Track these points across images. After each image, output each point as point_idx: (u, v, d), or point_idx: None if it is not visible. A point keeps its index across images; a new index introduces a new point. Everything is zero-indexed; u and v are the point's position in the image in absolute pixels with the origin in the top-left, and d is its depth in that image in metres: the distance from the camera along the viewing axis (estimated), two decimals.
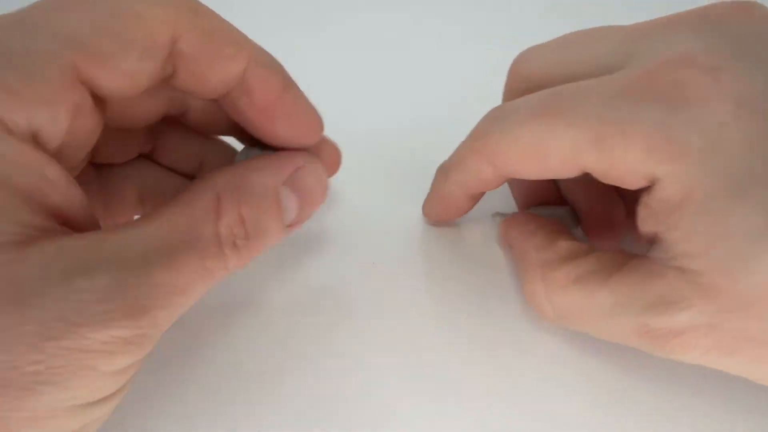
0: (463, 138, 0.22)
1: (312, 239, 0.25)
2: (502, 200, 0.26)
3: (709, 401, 0.21)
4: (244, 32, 0.18)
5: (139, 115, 0.20)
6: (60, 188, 0.16)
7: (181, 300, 0.16)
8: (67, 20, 0.15)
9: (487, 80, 0.26)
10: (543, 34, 0.22)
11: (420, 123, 0.31)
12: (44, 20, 0.15)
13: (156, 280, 0.15)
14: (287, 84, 0.19)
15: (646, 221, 0.18)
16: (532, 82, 0.21)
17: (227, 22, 0.17)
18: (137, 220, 0.17)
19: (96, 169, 0.22)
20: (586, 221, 0.24)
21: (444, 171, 0.23)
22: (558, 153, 0.18)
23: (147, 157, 0.23)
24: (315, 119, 0.20)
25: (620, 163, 0.17)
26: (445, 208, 0.25)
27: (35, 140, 0.15)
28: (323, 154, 0.21)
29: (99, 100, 0.17)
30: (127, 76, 0.16)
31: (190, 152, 0.23)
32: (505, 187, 0.26)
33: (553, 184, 0.25)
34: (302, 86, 0.19)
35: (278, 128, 0.19)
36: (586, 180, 0.21)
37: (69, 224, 0.16)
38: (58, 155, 0.16)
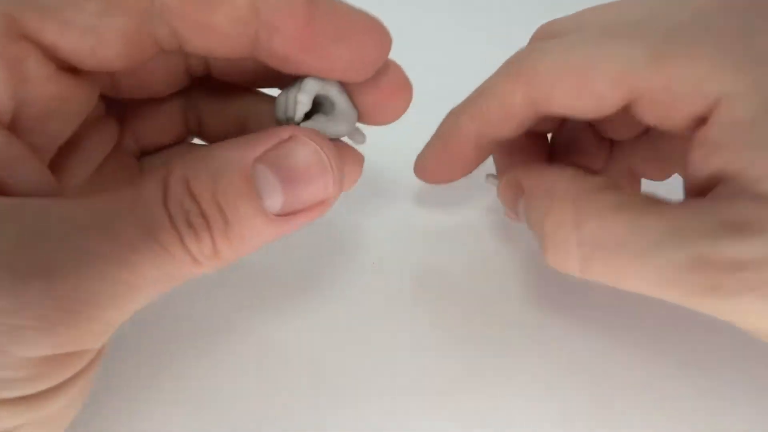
0: None
1: (311, 238, 0.25)
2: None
3: (711, 404, 0.21)
4: None
5: (152, 81, 0.19)
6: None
7: (131, 292, 0.14)
8: None
9: None
10: None
11: (420, 122, 0.31)
12: None
13: (89, 266, 0.13)
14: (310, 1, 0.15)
15: (705, 160, 0.16)
16: (562, 34, 0.19)
17: None
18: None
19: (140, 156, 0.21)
20: None
21: (456, 112, 0.21)
22: (608, 72, 0.16)
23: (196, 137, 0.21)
24: (367, 28, 0.16)
25: (680, 81, 0.16)
26: (446, 157, 0.22)
27: None
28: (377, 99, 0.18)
29: (74, 70, 0.15)
30: (88, 34, 0.14)
31: (234, 119, 0.21)
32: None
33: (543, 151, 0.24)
34: None
35: (320, 57, 0.16)
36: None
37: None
38: (17, 128, 0.15)
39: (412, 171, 0.23)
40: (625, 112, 0.18)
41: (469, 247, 0.25)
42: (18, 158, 0.15)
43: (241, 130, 0.20)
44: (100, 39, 0.15)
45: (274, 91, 0.19)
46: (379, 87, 0.17)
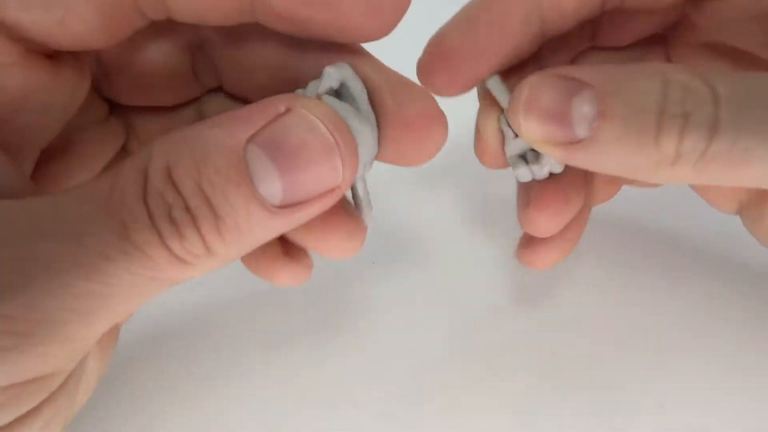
0: (464, 138, 0.22)
1: None
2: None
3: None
4: None
5: (154, 85, 0.17)
6: None
7: (103, 305, 0.12)
8: None
9: None
10: None
11: None
12: None
13: (49, 283, 0.11)
14: None
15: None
16: None
17: None
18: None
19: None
20: None
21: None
22: None
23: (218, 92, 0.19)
24: None
25: None
26: (479, 36, 0.16)
27: None
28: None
29: (50, 55, 0.14)
30: (54, 4, 0.12)
31: (257, 67, 0.17)
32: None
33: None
34: None
35: (327, 9, 0.13)
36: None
37: None
38: None
39: (413, 170, 0.23)
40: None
41: (470, 247, 0.26)
42: None
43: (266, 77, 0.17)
44: (68, 9, 0.13)
45: None
46: (403, 117, 0.15)
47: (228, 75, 0.18)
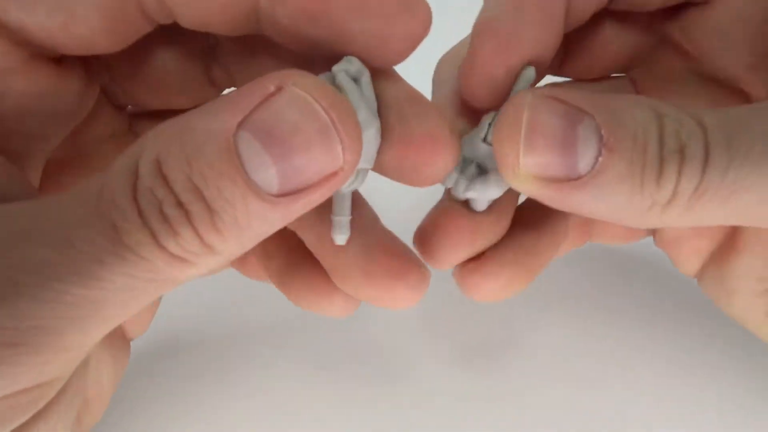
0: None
1: None
2: None
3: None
4: None
5: (169, 91, 0.17)
6: None
7: (98, 310, 0.12)
8: None
9: None
10: None
11: None
12: None
13: (40, 284, 0.11)
14: None
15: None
16: None
17: None
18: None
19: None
20: None
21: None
22: None
23: None
24: None
25: None
26: (524, 17, 0.15)
27: None
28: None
29: (56, 60, 0.13)
30: (57, 7, 0.12)
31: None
32: None
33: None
34: None
35: (333, 29, 0.13)
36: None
37: None
38: None
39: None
40: None
41: None
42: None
43: None
44: (72, 13, 0.12)
45: None
46: (407, 134, 0.14)
47: (241, 81, 0.17)
